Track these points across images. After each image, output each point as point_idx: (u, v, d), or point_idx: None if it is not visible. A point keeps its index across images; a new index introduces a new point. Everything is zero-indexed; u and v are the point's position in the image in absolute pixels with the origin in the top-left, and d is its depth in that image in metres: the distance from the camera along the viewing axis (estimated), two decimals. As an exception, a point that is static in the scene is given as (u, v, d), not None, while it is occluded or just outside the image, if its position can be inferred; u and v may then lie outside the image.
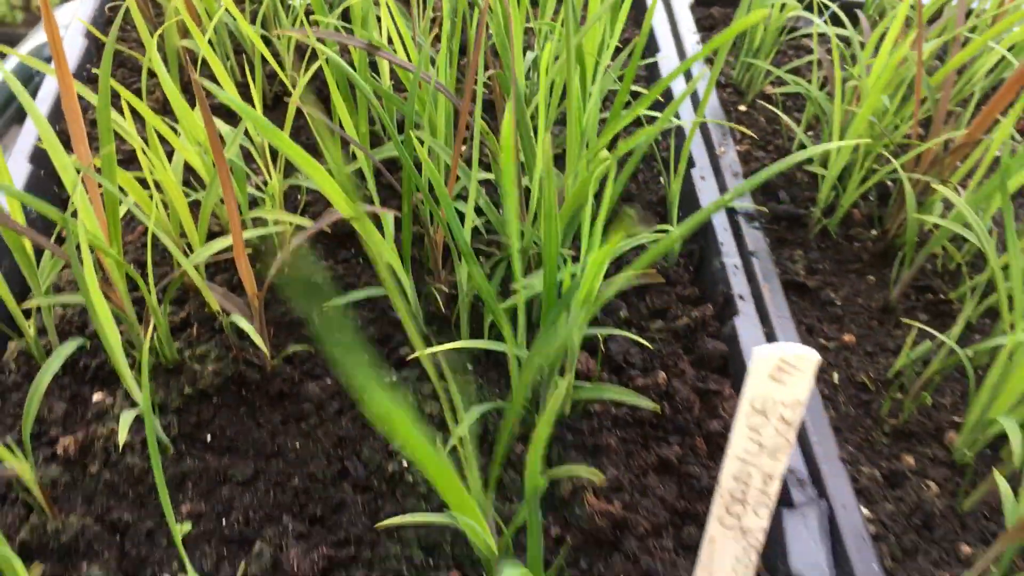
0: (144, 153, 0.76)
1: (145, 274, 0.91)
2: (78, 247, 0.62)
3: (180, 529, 0.73)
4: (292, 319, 0.90)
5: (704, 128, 1.09)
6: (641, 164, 1.10)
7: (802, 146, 1.10)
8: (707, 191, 1.00)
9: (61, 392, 0.83)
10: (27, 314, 0.84)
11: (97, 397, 0.82)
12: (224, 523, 0.74)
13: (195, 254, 0.76)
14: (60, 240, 0.92)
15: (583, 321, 0.71)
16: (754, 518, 0.59)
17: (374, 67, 1.12)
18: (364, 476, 0.78)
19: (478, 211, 0.88)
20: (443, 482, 0.42)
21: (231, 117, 1.04)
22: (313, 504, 0.76)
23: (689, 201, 1.01)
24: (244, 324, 0.74)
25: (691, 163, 1.04)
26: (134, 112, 1.07)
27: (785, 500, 0.74)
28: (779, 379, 0.54)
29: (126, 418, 0.67)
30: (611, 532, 0.71)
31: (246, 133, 0.93)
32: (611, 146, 0.91)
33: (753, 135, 1.13)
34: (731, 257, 0.93)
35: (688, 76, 1.20)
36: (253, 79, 1.12)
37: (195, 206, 0.91)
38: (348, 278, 0.95)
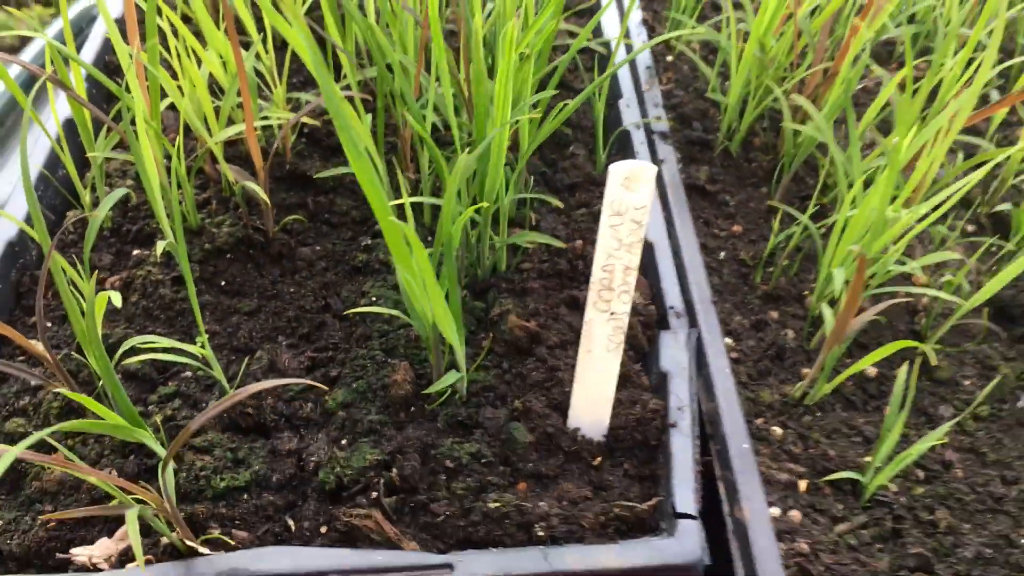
0: (177, 56, 0.99)
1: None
2: (133, 121, 0.85)
3: (199, 340, 0.96)
4: (290, 203, 1.13)
5: (634, 70, 1.32)
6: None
7: (715, 88, 1.32)
8: (631, 116, 1.23)
9: (108, 248, 1.06)
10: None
11: (136, 252, 1.05)
12: (232, 339, 0.97)
13: (217, 134, 0.99)
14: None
15: (517, 171, 0.94)
16: (620, 303, 0.81)
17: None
18: (342, 308, 1.00)
19: (437, 113, 1.11)
20: (388, 224, 0.64)
21: (244, 48, 1.28)
22: (302, 327, 0.98)
23: (616, 124, 1.24)
24: (252, 186, 0.97)
25: (620, 95, 1.27)
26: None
27: (663, 326, 0.97)
28: (629, 187, 0.76)
29: (161, 244, 0.90)
30: (527, 343, 0.93)
31: (257, 56, 1.16)
32: (550, 62, 1.14)
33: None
34: (644, 163, 1.15)
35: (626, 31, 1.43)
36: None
37: (216, 113, 1.14)
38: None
